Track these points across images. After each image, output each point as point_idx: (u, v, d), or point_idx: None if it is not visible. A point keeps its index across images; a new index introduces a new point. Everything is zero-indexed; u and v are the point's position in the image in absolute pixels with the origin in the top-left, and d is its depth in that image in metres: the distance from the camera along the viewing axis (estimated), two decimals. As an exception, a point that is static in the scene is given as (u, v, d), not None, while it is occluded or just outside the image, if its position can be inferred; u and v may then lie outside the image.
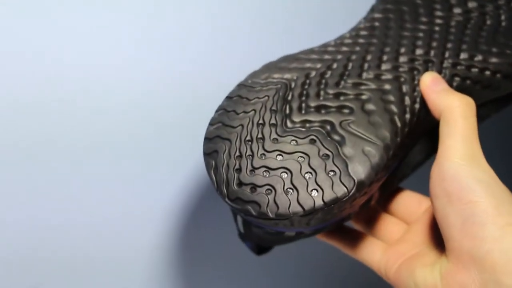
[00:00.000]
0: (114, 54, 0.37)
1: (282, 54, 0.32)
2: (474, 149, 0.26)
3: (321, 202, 0.26)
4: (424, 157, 0.33)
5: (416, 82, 0.30)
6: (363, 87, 0.29)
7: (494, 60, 0.30)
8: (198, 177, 0.40)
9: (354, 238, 0.32)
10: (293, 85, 0.30)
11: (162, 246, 0.40)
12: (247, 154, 0.27)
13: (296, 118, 0.28)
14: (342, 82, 0.30)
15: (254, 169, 0.27)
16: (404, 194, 0.33)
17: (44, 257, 0.37)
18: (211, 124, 0.29)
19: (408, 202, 0.33)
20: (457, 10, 0.32)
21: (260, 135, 0.28)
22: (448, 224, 0.25)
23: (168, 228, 0.40)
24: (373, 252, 0.31)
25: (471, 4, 0.33)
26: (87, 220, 0.38)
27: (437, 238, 0.28)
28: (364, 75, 0.30)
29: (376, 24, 0.32)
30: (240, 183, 0.27)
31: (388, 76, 0.30)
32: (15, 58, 0.35)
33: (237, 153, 0.28)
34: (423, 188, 0.33)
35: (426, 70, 0.30)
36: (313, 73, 0.30)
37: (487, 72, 0.30)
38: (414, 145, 0.32)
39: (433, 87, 0.29)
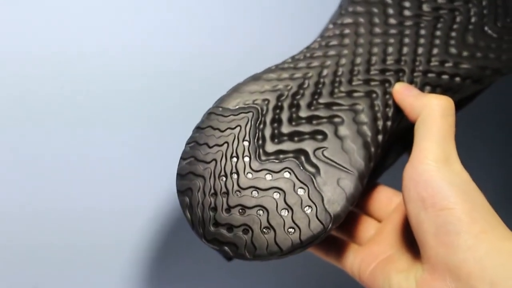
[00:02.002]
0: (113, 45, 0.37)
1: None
2: (449, 150, 0.26)
3: (298, 241, 0.26)
4: (396, 158, 0.34)
5: (387, 96, 0.30)
6: (335, 108, 0.29)
7: (464, 66, 0.30)
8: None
9: (324, 240, 0.31)
10: (264, 110, 0.29)
11: (160, 243, 0.40)
12: (222, 192, 0.27)
13: (270, 149, 0.28)
14: (314, 103, 0.29)
15: (229, 208, 0.27)
16: (374, 190, 0.33)
17: (38, 251, 0.37)
18: (183, 158, 0.28)
19: (377, 198, 0.32)
20: (426, 8, 0.32)
21: (234, 170, 0.27)
22: (423, 231, 0.25)
23: (164, 225, 0.40)
24: (345, 254, 0.31)
25: (441, 0, 0.32)
26: (81, 213, 0.38)
27: (410, 240, 0.28)
28: (336, 92, 0.29)
29: (346, 31, 0.31)
30: (216, 223, 0.27)
31: (360, 92, 0.29)
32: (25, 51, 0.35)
33: (212, 191, 0.27)
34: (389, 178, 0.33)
35: (398, 80, 0.30)
36: (284, 94, 0.29)
37: (457, 79, 0.30)
38: (384, 154, 0.32)
39: (408, 92, 0.29)
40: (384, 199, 0.32)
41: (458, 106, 0.32)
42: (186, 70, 0.38)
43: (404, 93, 0.29)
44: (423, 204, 0.25)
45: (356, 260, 0.30)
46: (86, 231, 0.38)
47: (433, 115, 0.27)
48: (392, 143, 0.33)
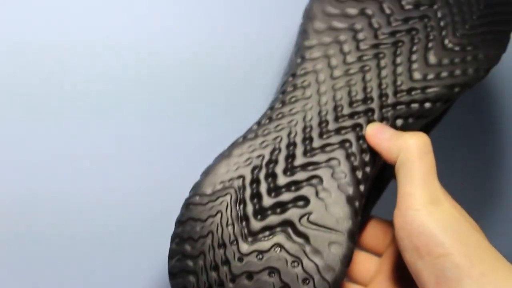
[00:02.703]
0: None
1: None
2: (434, 190, 0.25)
3: None
4: (379, 194, 0.33)
5: (361, 141, 0.29)
6: (311, 167, 0.28)
7: (432, 89, 0.29)
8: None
9: None
10: (241, 188, 0.28)
11: (159, 243, 0.40)
12: (216, 284, 0.27)
13: (255, 227, 0.27)
14: (290, 167, 0.28)
15: None
16: (367, 224, 0.32)
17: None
18: (171, 257, 0.28)
19: (373, 233, 0.32)
20: (382, 35, 0.31)
21: (224, 259, 0.27)
22: (423, 280, 0.24)
23: (164, 225, 0.40)
24: None
25: (395, 23, 0.31)
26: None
27: (410, 280, 0.27)
28: (309, 150, 0.29)
29: (306, 82, 0.30)
30: None
31: (333, 145, 0.29)
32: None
33: (207, 284, 0.27)
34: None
35: (368, 121, 0.29)
36: (258, 166, 0.29)
37: (427, 104, 0.30)
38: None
39: (381, 136, 0.28)
40: (380, 232, 0.31)
41: (427, 131, 0.31)
42: (186, 70, 0.38)
43: (378, 137, 0.28)
44: (418, 253, 0.24)
45: None
46: (86, 230, 0.38)
47: (411, 157, 0.26)
48: (373, 182, 0.32)
